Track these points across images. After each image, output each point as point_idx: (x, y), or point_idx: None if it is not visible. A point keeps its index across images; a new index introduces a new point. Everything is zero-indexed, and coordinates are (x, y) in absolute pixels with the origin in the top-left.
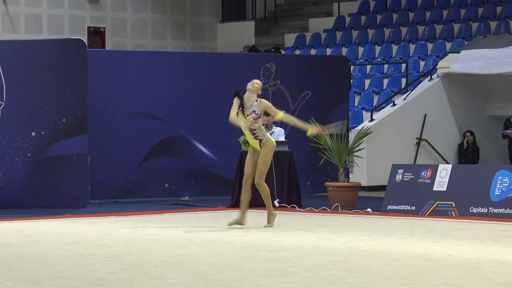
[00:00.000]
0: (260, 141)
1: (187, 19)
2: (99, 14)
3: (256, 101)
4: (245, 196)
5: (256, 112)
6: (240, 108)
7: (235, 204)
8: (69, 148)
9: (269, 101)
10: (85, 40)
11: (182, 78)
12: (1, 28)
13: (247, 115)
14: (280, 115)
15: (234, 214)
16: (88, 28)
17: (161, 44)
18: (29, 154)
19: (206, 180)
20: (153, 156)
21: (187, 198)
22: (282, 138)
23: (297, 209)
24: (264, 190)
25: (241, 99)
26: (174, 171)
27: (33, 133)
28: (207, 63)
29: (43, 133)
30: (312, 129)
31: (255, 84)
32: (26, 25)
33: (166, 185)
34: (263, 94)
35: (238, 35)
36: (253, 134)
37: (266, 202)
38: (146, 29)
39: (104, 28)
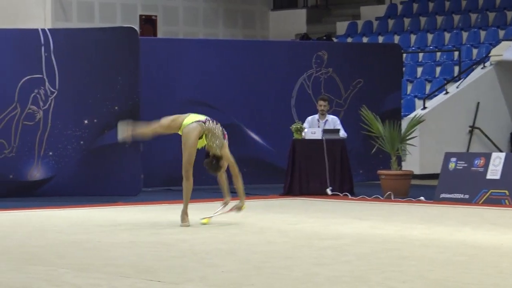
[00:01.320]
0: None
1: (239, 7)
2: (151, 2)
3: None
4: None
5: None
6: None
7: (287, 192)
8: None
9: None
10: (137, 28)
11: (234, 66)
12: (53, 17)
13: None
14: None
15: (286, 202)
16: (140, 16)
17: (213, 32)
18: (81, 142)
19: (258, 168)
20: None
21: None
22: (339, 126)
23: (350, 197)
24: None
25: None
26: None
27: (86, 121)
28: (259, 51)
29: (95, 121)
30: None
31: None
32: (78, 13)
33: None
34: (315, 82)
35: (290, 23)
36: None
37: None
38: (198, 17)
39: (156, 16)
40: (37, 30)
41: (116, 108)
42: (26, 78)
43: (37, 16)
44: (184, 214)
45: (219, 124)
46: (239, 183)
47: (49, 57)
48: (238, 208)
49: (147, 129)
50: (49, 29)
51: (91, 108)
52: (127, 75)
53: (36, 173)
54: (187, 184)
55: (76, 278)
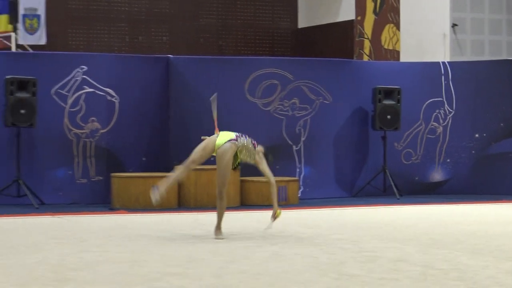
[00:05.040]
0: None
1: None
2: None
3: None
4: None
5: None
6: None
7: None
8: (506, 147)
9: None
10: None
11: None
12: (452, 52)
13: None
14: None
15: None
16: None
17: None
18: (473, 152)
19: None
20: None
21: None
22: None
23: None
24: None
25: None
26: None
27: (476, 135)
28: None
29: (484, 135)
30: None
31: None
32: (471, 49)
33: None
34: None
35: None
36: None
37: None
38: None
39: None
40: (438, 63)
41: (502, 125)
42: (429, 101)
43: (439, 52)
44: (218, 229)
45: (248, 137)
46: (273, 191)
47: (447, 84)
48: (274, 216)
49: (181, 171)
50: (448, 62)
51: (481, 125)
52: (510, 99)
53: (437, 175)
54: (221, 204)
55: (469, 260)
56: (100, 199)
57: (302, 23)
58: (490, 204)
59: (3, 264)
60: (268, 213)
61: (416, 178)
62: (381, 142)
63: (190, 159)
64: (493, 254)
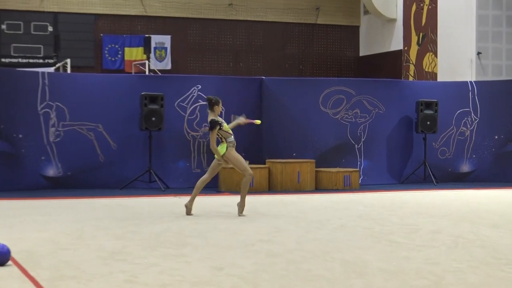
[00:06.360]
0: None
1: None
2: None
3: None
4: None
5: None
6: (223, 125)
7: None
8: None
9: None
10: None
11: None
12: (477, 73)
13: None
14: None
15: None
16: None
17: None
18: (493, 149)
19: None
20: None
21: None
22: None
23: None
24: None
25: (219, 124)
26: None
27: (496, 137)
28: None
29: (502, 136)
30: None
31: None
32: (492, 71)
33: None
34: None
35: None
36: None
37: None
38: None
39: None
40: (467, 82)
41: None
42: (459, 111)
43: (467, 74)
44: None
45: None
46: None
47: (474, 98)
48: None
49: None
50: (474, 81)
51: (499, 128)
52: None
53: (465, 168)
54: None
55: (490, 232)
56: (210, 184)
57: (362, 52)
58: (506, 189)
59: (137, 231)
60: (340, 194)
61: (449, 169)
62: (422, 142)
63: (249, 168)
64: (508, 227)
